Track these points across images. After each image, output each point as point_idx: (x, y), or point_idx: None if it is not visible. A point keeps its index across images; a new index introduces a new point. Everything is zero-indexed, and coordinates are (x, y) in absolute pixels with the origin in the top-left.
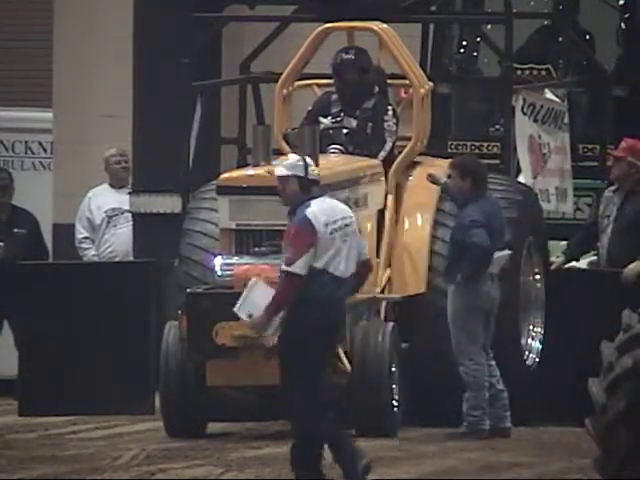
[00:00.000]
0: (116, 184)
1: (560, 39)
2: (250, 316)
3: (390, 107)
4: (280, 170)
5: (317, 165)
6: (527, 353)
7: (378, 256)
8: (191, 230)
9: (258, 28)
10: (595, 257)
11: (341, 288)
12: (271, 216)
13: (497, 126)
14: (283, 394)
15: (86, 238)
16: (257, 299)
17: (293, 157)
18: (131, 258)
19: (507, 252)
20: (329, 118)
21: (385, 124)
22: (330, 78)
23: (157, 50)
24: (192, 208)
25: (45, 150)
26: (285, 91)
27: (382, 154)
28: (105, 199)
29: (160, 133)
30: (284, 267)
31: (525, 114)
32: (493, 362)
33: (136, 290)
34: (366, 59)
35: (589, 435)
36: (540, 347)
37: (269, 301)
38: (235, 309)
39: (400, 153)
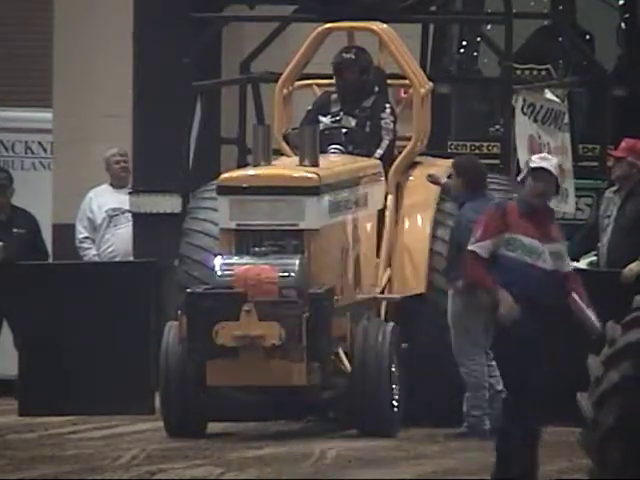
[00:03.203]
0: (116, 184)
1: (560, 39)
2: None
3: (388, 105)
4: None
5: (317, 165)
6: None
7: (378, 256)
8: (191, 230)
9: (258, 28)
10: (595, 257)
11: None
12: (271, 216)
13: (497, 126)
14: None
15: (87, 238)
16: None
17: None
18: (131, 258)
19: None
20: (328, 117)
21: (382, 122)
22: (330, 78)
23: (157, 50)
24: (192, 208)
25: (45, 150)
26: (285, 91)
27: (378, 152)
28: (106, 199)
29: (160, 133)
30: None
31: (525, 114)
32: (493, 362)
33: (136, 290)
34: (366, 59)
35: (581, 448)
36: None
37: None
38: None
39: (400, 153)
